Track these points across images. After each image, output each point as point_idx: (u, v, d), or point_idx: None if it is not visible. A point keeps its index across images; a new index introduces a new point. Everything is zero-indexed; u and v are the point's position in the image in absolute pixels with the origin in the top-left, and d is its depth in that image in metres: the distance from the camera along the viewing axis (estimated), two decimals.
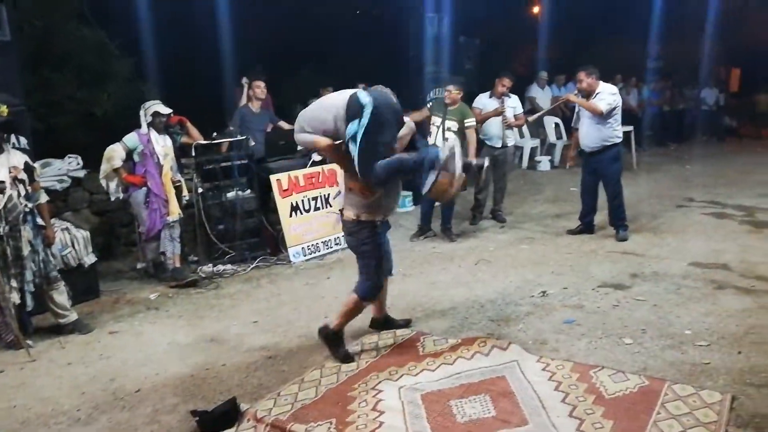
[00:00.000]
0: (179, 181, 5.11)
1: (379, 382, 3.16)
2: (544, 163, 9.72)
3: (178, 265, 4.97)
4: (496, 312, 4.04)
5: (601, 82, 5.47)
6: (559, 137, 10.14)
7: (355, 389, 3.09)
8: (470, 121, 5.67)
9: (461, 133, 5.57)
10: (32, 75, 5.61)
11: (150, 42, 6.83)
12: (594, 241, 5.59)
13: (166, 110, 4.91)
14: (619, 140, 5.57)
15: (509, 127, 6.35)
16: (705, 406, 2.69)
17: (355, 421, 2.80)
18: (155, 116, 4.87)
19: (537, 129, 10.33)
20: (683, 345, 3.38)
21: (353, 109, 3.03)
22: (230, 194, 5.43)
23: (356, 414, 2.86)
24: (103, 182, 4.92)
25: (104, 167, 4.84)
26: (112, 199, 5.01)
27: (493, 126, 6.26)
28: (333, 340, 3.45)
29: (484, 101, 6.35)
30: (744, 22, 15.43)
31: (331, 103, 3.20)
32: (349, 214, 3.32)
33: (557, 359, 3.26)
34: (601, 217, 5.92)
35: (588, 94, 5.44)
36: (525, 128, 9.90)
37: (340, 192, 5.82)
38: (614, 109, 5.36)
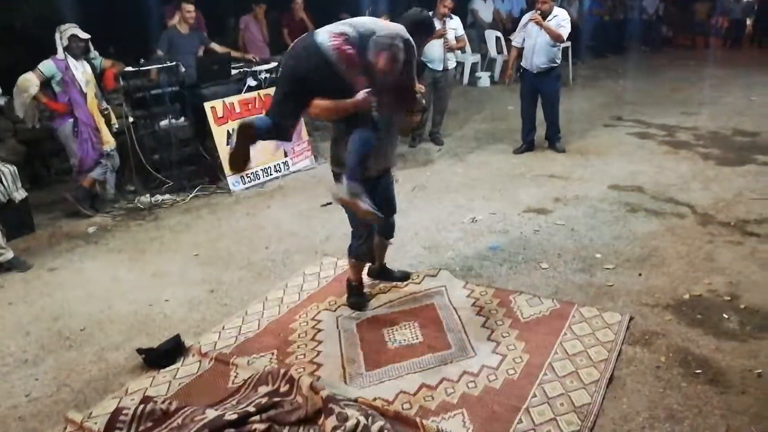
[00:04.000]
0: (107, 108, 4.97)
1: (319, 312, 3.38)
2: (484, 78, 9.78)
3: (86, 185, 4.93)
4: (429, 239, 4.28)
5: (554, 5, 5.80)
6: (500, 51, 10.14)
7: (295, 320, 3.31)
8: None
9: None
10: None
11: None
12: (524, 164, 5.86)
13: (84, 35, 4.65)
14: (560, 60, 6.02)
15: (450, 49, 6.33)
16: (605, 327, 3.06)
17: (294, 351, 3.02)
18: (72, 40, 4.60)
19: (479, 44, 10.28)
20: (592, 268, 3.73)
21: None
22: (163, 123, 5.29)
23: (296, 344, 3.09)
24: (21, 114, 4.69)
25: (20, 100, 4.60)
26: (29, 126, 4.81)
27: (435, 48, 6.23)
28: (349, 288, 3.43)
29: None
30: None
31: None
32: None
33: (481, 285, 3.57)
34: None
35: (546, 14, 5.72)
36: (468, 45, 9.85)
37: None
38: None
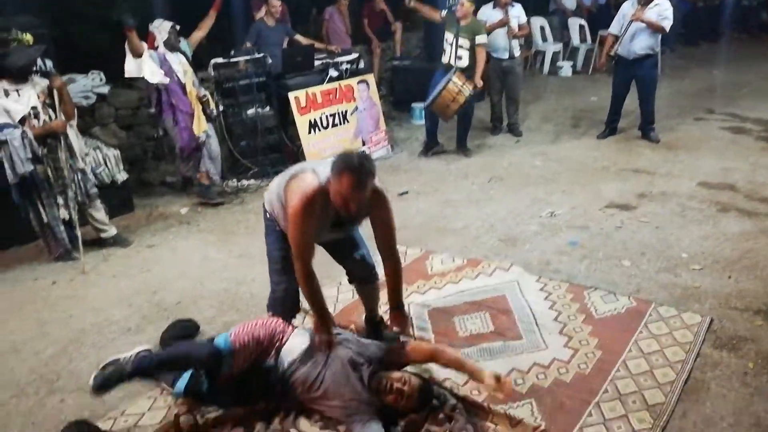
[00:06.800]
0: (205, 95, 5.08)
1: None
2: (566, 68, 9.50)
3: (205, 182, 5.16)
4: (506, 231, 4.27)
5: None
6: (583, 40, 9.82)
7: None
8: (481, 38, 5.53)
9: (473, 50, 5.54)
10: None
11: None
12: (607, 158, 5.69)
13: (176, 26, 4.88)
14: (658, 48, 5.85)
15: (515, 37, 6.24)
16: (684, 327, 2.97)
17: None
18: (171, 33, 4.80)
19: (561, 32, 10.00)
20: (678, 268, 3.60)
21: None
22: (250, 111, 5.57)
23: None
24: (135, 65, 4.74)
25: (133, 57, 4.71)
26: (153, 82, 4.74)
27: (499, 37, 6.19)
28: None
29: (488, 13, 6.28)
30: None
31: None
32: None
33: (555, 280, 3.54)
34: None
35: (647, 2, 5.57)
36: (548, 31, 9.62)
37: (357, 108, 5.94)
38: None
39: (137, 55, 4.65)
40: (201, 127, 5.03)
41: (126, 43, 4.61)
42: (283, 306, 2.80)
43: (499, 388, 2.35)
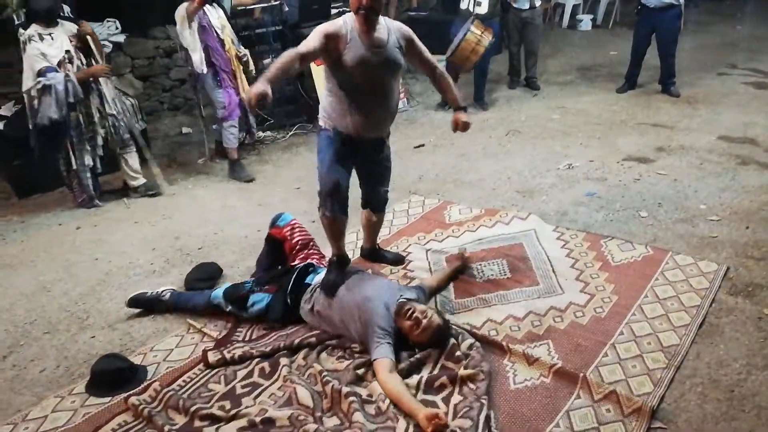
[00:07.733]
0: (245, 54, 4.70)
1: (409, 245, 3.54)
2: (585, 22, 9.27)
3: (234, 156, 4.76)
4: (522, 184, 4.29)
5: None
6: None
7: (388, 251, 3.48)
8: None
9: None
10: None
11: None
12: (626, 112, 5.62)
13: None
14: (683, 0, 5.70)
15: None
16: (700, 275, 3.00)
17: (387, 275, 3.20)
18: None
19: None
20: (695, 219, 3.61)
21: None
22: (266, 61, 5.50)
23: (388, 269, 3.28)
24: (188, 42, 4.40)
25: (179, 24, 4.40)
26: (198, 71, 4.44)
27: None
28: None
29: None
30: None
31: None
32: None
33: (572, 229, 3.56)
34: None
35: None
36: None
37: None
38: None
39: (191, 16, 4.32)
40: (246, 88, 4.53)
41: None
42: (333, 194, 2.72)
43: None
